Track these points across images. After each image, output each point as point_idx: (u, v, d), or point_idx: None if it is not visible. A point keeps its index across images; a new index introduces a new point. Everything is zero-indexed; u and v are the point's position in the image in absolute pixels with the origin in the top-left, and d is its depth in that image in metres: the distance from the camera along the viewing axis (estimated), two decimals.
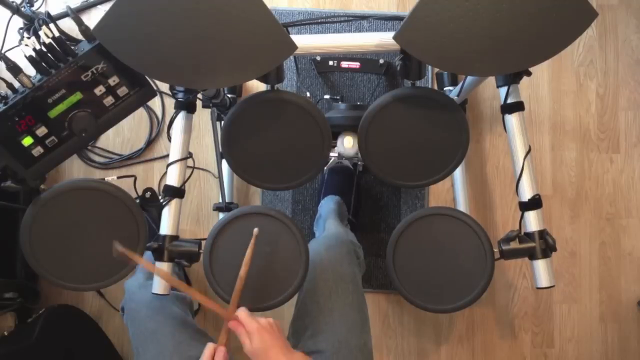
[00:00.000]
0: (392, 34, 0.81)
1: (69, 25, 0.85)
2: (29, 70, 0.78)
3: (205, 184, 1.55)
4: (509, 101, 0.96)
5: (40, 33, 0.77)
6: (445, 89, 1.47)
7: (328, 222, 1.23)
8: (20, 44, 0.77)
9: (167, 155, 0.98)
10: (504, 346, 1.52)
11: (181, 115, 0.97)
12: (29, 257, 0.84)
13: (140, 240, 0.87)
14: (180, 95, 0.98)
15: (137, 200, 0.90)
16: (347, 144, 1.14)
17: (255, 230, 0.85)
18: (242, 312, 0.80)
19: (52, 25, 0.78)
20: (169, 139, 0.97)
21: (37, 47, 0.77)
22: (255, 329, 0.77)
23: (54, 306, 1.40)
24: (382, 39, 0.91)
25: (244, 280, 0.83)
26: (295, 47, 0.80)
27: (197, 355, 0.79)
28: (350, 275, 0.98)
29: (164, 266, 0.91)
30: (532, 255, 0.92)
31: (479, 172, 1.55)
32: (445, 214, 0.92)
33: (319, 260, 0.97)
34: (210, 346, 0.78)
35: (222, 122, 1.02)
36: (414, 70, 0.93)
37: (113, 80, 0.82)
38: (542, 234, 0.92)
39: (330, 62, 1.52)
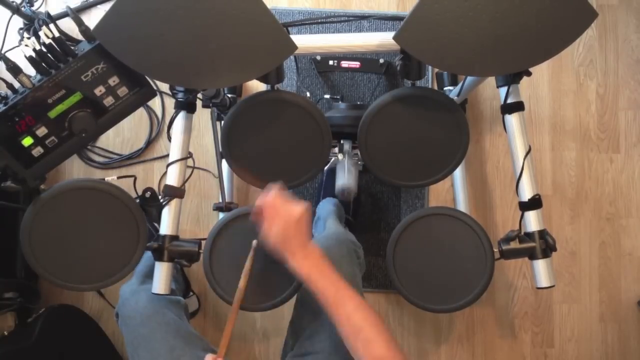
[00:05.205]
0: (392, 34, 0.81)
1: (69, 25, 0.86)
2: (29, 70, 0.78)
3: (205, 184, 1.55)
4: (509, 101, 0.96)
5: (40, 33, 0.77)
6: (445, 89, 1.47)
7: (328, 222, 1.22)
8: (20, 44, 0.77)
9: (167, 155, 0.98)
10: (504, 346, 1.52)
11: (181, 115, 0.97)
12: (29, 257, 0.84)
13: (140, 240, 0.87)
14: (180, 95, 0.97)
15: (137, 200, 0.90)
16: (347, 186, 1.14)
17: (255, 242, 0.85)
18: (275, 194, 0.79)
19: (52, 26, 0.78)
20: (169, 139, 0.97)
21: (37, 47, 0.77)
22: (281, 217, 0.76)
23: (54, 306, 1.40)
24: (382, 39, 0.92)
25: (243, 293, 0.83)
26: (295, 47, 0.80)
27: None
28: (349, 275, 0.97)
29: (164, 266, 0.91)
30: (532, 255, 0.92)
31: (479, 172, 1.54)
32: (445, 214, 0.92)
33: None
34: (209, 357, 0.78)
35: (222, 122, 1.02)
36: (414, 70, 0.93)
37: (113, 81, 0.82)
38: (542, 233, 0.92)
39: (331, 62, 1.52)
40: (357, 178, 1.18)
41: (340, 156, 1.18)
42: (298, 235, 0.77)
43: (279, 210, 0.77)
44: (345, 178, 1.14)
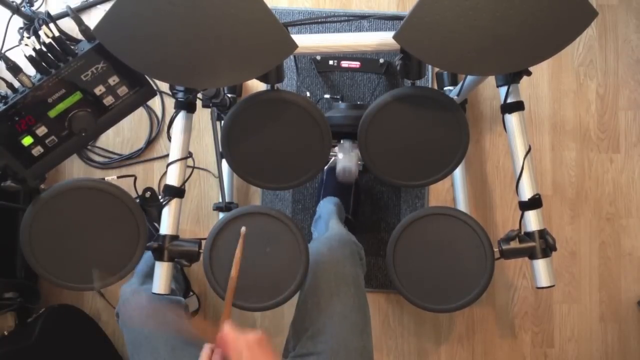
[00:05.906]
0: (392, 33, 0.81)
1: (69, 25, 0.85)
2: (29, 70, 0.78)
3: (205, 184, 1.55)
4: (509, 101, 0.96)
5: (40, 33, 0.77)
6: (445, 88, 1.47)
7: (331, 222, 1.22)
8: (20, 43, 0.77)
9: (167, 155, 0.98)
10: (504, 346, 1.52)
11: (181, 115, 0.97)
12: (29, 257, 0.84)
13: (140, 240, 0.87)
14: (180, 95, 0.97)
15: (137, 200, 0.90)
16: (347, 156, 1.14)
17: (243, 229, 0.85)
18: (229, 330, 0.75)
19: (52, 25, 0.78)
20: (169, 138, 0.97)
21: (37, 46, 0.77)
22: (244, 346, 0.73)
23: (54, 306, 1.40)
24: (382, 39, 0.91)
25: (235, 281, 0.83)
26: (295, 46, 0.80)
27: None
28: (352, 276, 0.97)
29: (164, 266, 0.91)
30: (532, 254, 0.92)
31: (479, 172, 1.54)
32: (445, 213, 0.92)
33: (321, 261, 0.97)
34: (207, 347, 0.78)
35: (222, 122, 1.02)
36: (414, 70, 0.93)
37: (113, 80, 0.82)
38: (542, 233, 0.92)
39: (331, 62, 1.52)
40: (358, 161, 1.18)
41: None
42: (265, 356, 0.75)
43: (238, 342, 0.75)
44: (347, 158, 1.14)
